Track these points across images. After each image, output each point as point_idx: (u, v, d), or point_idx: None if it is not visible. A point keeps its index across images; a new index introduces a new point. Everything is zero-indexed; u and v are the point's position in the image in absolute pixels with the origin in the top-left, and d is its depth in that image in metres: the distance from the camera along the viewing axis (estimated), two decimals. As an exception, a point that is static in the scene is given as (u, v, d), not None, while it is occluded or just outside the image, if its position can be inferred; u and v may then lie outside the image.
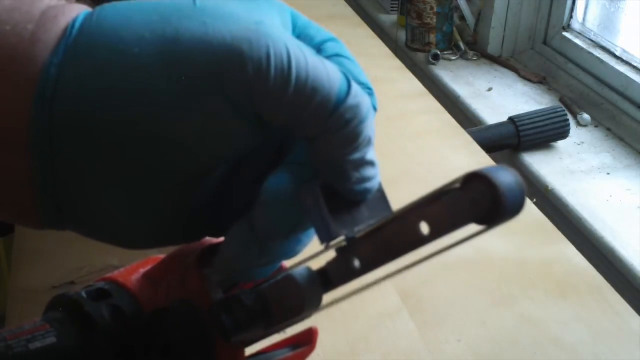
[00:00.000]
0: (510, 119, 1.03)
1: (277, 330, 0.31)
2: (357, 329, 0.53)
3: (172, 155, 0.25)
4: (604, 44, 1.20)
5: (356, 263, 0.28)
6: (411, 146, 0.82)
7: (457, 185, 0.23)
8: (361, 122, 0.25)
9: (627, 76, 1.11)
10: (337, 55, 0.28)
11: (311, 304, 0.29)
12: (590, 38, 1.24)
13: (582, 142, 1.08)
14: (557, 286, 0.58)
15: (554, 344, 0.52)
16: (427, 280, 0.58)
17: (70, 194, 0.26)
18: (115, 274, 0.32)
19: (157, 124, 0.24)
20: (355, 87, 0.25)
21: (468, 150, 0.82)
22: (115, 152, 0.24)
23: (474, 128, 1.04)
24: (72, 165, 0.25)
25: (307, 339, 0.35)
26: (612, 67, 1.14)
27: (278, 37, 0.24)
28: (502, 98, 1.22)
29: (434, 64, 1.35)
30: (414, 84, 0.97)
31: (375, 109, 0.28)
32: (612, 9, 1.22)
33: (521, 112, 1.05)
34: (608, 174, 0.99)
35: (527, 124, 1.02)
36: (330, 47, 0.28)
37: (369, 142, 0.26)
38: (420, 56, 1.40)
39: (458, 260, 0.61)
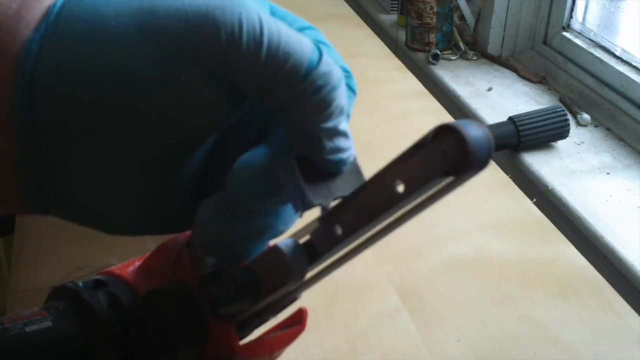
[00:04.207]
0: (510, 119, 1.03)
1: (265, 304, 0.32)
2: (357, 329, 0.53)
3: (152, 127, 0.25)
4: (604, 44, 1.20)
5: (338, 230, 0.28)
6: (411, 146, 0.82)
7: (428, 140, 0.24)
8: (333, 89, 0.25)
9: (627, 76, 1.11)
10: (315, 40, 0.28)
11: (297, 274, 0.30)
12: (590, 38, 1.24)
13: (582, 142, 1.08)
14: (557, 286, 0.58)
15: (554, 344, 0.52)
16: (427, 280, 0.58)
17: (53, 173, 0.25)
18: (111, 268, 0.33)
19: (136, 95, 0.24)
20: (326, 57, 0.26)
21: (468, 150, 0.82)
22: (96, 127, 0.24)
23: (474, 128, 1.04)
24: (54, 142, 0.25)
25: (298, 320, 0.36)
26: (612, 67, 1.14)
27: (251, 6, 0.24)
28: (502, 98, 1.22)
29: (434, 64, 1.35)
30: (414, 84, 0.97)
31: (354, 92, 0.29)
32: (612, 9, 1.22)
33: (521, 112, 1.05)
34: (608, 174, 0.99)
35: (527, 124, 1.02)
36: (308, 34, 0.28)
37: (341, 111, 0.26)
38: (420, 56, 1.40)
39: (458, 260, 0.61)
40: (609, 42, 1.19)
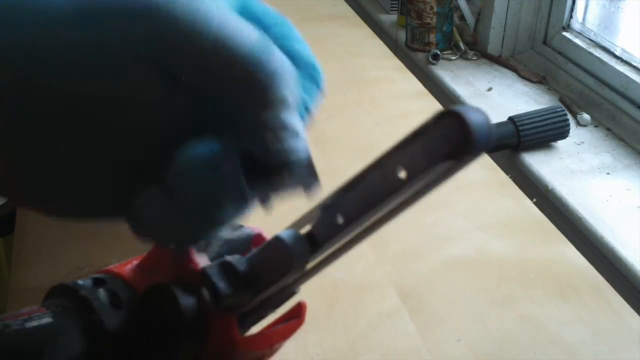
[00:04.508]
0: (510, 119, 1.03)
1: (266, 297, 0.32)
2: (357, 329, 0.53)
3: (97, 115, 0.24)
4: (604, 44, 1.20)
5: (339, 219, 0.28)
6: (411, 146, 0.82)
7: (430, 125, 0.25)
8: (275, 80, 0.24)
9: (627, 76, 1.11)
10: (283, 37, 0.28)
11: (298, 265, 0.30)
12: (590, 38, 1.24)
13: (582, 142, 1.08)
14: (557, 286, 0.58)
15: (554, 344, 0.52)
16: (427, 280, 0.58)
17: (8, 160, 0.25)
18: (110, 267, 0.33)
19: (76, 80, 0.24)
20: (274, 49, 0.25)
21: (468, 150, 0.82)
22: (42, 112, 0.24)
23: (474, 128, 1.04)
24: (3, 130, 0.24)
25: (296, 314, 0.36)
26: (612, 67, 1.14)
27: None
28: (502, 98, 1.22)
29: (434, 64, 1.35)
30: (414, 84, 0.97)
31: (318, 87, 0.29)
32: (612, 9, 1.22)
33: (521, 112, 1.05)
34: (608, 174, 0.99)
35: (527, 124, 1.02)
36: (275, 29, 0.28)
37: (285, 104, 0.25)
38: (420, 56, 1.40)
39: (458, 260, 0.61)
40: (609, 42, 1.19)
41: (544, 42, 1.34)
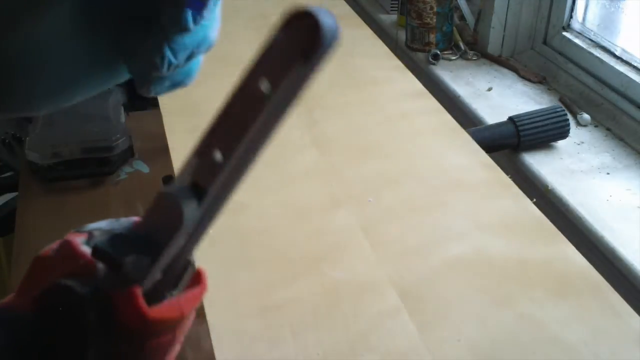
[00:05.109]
0: (510, 118, 1.03)
1: (165, 266, 0.31)
2: (357, 329, 0.53)
3: None
4: (604, 44, 1.20)
5: (217, 156, 0.28)
6: (411, 146, 0.82)
7: (281, 28, 0.26)
8: None
9: (627, 76, 1.11)
10: None
11: (190, 216, 0.29)
12: (590, 38, 1.23)
13: (582, 142, 1.07)
14: (557, 286, 0.58)
15: (554, 344, 0.52)
16: (427, 280, 0.58)
17: None
18: None
19: None
20: None
21: (468, 150, 0.82)
22: None
23: (474, 128, 1.04)
24: None
25: (197, 281, 0.35)
26: (612, 67, 1.14)
27: None
28: (502, 98, 1.22)
29: (434, 64, 1.35)
30: (414, 84, 0.97)
31: None
32: (612, 9, 1.22)
33: (521, 112, 1.05)
34: (608, 174, 0.99)
35: (527, 123, 1.02)
36: None
37: None
38: (420, 56, 1.40)
39: (458, 260, 0.61)
40: (609, 42, 1.19)
41: (544, 42, 1.34)
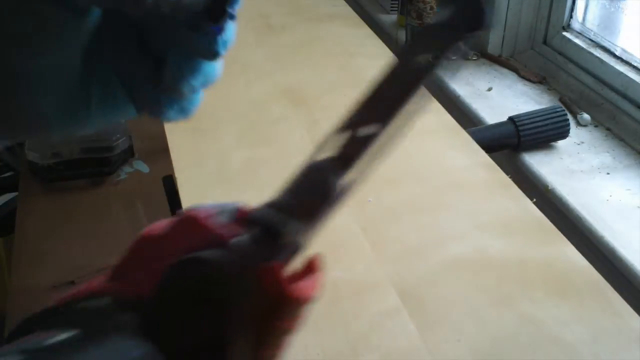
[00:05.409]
0: (510, 118, 1.03)
1: (314, 230, 0.32)
2: (357, 329, 0.53)
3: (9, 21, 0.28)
4: (604, 44, 1.20)
5: (366, 130, 0.30)
6: (411, 146, 0.82)
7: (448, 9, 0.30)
8: None
9: (627, 76, 1.11)
10: None
11: (338, 188, 0.30)
12: (590, 38, 1.23)
13: (582, 142, 1.07)
14: (557, 286, 0.58)
15: (554, 344, 0.52)
16: (427, 280, 0.58)
17: None
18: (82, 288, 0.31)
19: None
20: None
21: (468, 150, 0.82)
22: None
23: (474, 128, 1.04)
24: None
25: (313, 268, 0.34)
26: (612, 67, 1.14)
27: None
28: (502, 98, 1.22)
29: (434, 64, 1.35)
30: (414, 84, 0.97)
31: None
32: (612, 9, 1.22)
33: (521, 112, 1.05)
34: (608, 174, 0.99)
35: (527, 123, 1.02)
36: None
37: None
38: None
39: (458, 260, 0.61)
40: (609, 42, 1.19)
41: (544, 42, 1.34)
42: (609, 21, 1.22)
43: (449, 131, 0.86)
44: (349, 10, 1.26)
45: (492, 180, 0.74)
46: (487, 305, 0.56)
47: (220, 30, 0.30)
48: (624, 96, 1.12)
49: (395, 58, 0.30)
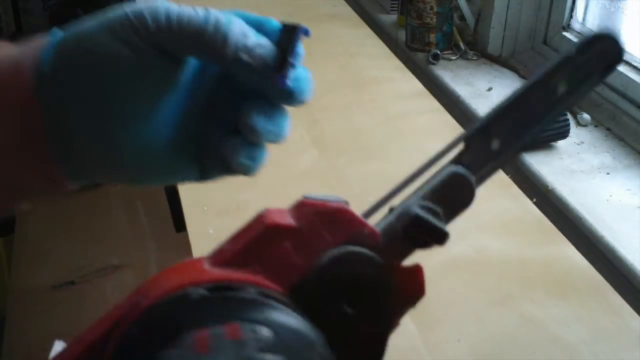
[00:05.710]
0: (510, 119, 1.03)
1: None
2: (357, 329, 0.53)
3: (120, 89, 0.34)
4: (604, 44, 1.20)
5: (495, 144, 0.32)
6: (411, 146, 0.82)
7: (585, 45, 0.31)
8: (222, 28, 0.34)
9: (627, 76, 1.11)
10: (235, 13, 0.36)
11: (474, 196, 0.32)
12: (590, 38, 1.24)
13: (582, 142, 1.07)
14: (557, 286, 0.58)
15: (554, 344, 0.52)
16: (427, 280, 0.58)
17: (73, 136, 0.33)
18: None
19: (113, 77, 0.33)
20: (212, 12, 0.34)
21: (468, 150, 0.82)
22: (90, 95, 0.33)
23: (474, 128, 1.04)
24: (68, 107, 0.33)
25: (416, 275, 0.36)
26: (612, 67, 1.14)
27: (160, 3, 0.34)
28: (502, 98, 1.22)
29: (434, 64, 1.35)
30: (414, 84, 0.97)
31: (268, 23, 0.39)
32: (612, 9, 1.22)
33: (521, 112, 1.05)
34: (608, 174, 0.99)
35: (527, 124, 1.02)
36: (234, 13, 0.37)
37: (243, 34, 0.34)
38: (420, 56, 1.40)
39: (458, 260, 0.61)
40: (609, 42, 1.19)
41: (544, 42, 1.34)
42: (609, 21, 1.22)
43: (449, 131, 0.86)
44: (349, 10, 1.26)
45: (492, 180, 0.74)
46: (487, 305, 0.56)
47: (284, 77, 0.35)
48: (624, 96, 1.12)
49: (536, 81, 0.32)
